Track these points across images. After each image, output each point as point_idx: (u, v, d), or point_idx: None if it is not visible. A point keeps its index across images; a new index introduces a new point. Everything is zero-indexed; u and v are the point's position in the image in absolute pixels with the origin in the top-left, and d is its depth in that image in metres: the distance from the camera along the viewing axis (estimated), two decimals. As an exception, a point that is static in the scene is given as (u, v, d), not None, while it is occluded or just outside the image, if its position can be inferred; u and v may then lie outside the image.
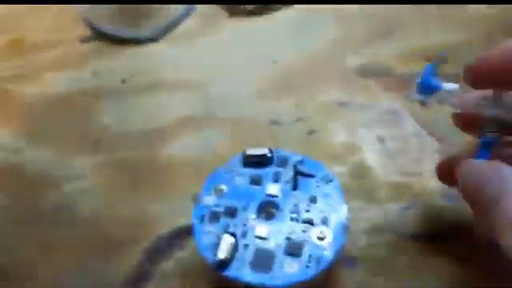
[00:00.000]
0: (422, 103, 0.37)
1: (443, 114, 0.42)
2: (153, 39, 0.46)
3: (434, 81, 0.32)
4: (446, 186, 0.39)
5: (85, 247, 0.37)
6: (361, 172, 0.39)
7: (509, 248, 0.23)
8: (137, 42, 0.46)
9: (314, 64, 0.45)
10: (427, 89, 0.32)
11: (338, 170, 0.38)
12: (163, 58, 0.45)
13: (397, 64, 0.45)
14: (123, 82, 0.44)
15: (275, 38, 0.47)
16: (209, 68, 0.44)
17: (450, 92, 0.32)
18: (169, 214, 0.38)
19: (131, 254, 0.37)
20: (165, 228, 0.37)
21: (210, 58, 0.45)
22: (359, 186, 0.38)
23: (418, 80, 0.33)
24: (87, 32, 0.49)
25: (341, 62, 0.45)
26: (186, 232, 0.37)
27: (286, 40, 0.46)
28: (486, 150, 0.32)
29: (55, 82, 0.45)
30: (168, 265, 0.36)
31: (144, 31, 0.46)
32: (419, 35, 0.47)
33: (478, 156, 0.35)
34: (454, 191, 0.39)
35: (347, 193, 0.33)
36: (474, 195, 0.26)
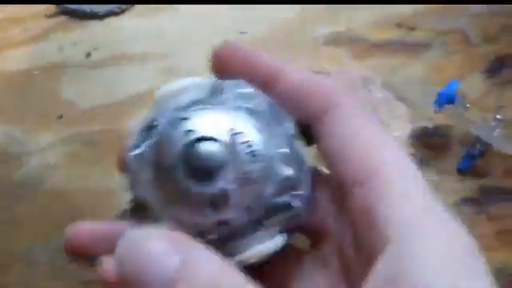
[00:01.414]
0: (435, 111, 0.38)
1: (412, 79, 0.41)
2: (116, 13, 0.45)
3: (453, 95, 0.37)
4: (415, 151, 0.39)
5: (50, 220, 0.37)
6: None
7: None
8: (100, 16, 0.45)
9: (283, 34, 0.44)
10: (445, 100, 0.36)
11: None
12: (126, 31, 0.44)
13: (366, 32, 0.44)
14: (88, 56, 0.43)
15: (244, 8, 0.46)
16: (172, 41, 0.43)
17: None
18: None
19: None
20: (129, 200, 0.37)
21: (173, 31, 0.44)
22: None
23: (439, 90, 0.37)
24: (53, 8, 0.48)
25: (310, 32, 0.44)
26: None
27: (254, 10, 0.45)
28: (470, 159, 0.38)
29: (19, 58, 0.44)
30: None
31: (107, 6, 0.45)
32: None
33: (461, 165, 0.38)
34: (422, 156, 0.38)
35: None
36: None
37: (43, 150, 0.39)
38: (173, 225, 0.20)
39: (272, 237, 0.21)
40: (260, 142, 0.21)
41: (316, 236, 0.24)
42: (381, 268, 0.17)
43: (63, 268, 0.35)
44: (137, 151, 0.22)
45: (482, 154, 0.38)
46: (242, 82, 0.22)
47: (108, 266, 0.19)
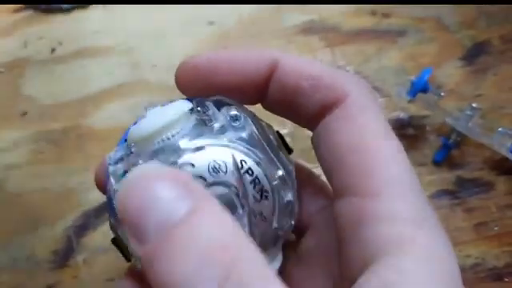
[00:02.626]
0: (409, 100, 0.36)
1: (387, 68, 0.40)
2: (82, 6, 0.43)
3: (426, 83, 0.35)
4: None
5: (11, 222, 0.36)
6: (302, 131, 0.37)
7: None
8: (67, 9, 0.44)
9: (253, 23, 0.42)
10: (418, 88, 0.35)
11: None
12: (92, 25, 0.43)
13: (340, 20, 0.42)
14: (53, 51, 0.42)
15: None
16: (140, 33, 0.42)
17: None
18: (96, 187, 0.36)
19: (58, 229, 0.35)
20: (91, 201, 0.36)
21: (139, 24, 0.42)
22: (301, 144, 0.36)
23: (412, 79, 0.36)
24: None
25: (281, 21, 0.43)
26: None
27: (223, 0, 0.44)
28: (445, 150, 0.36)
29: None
30: (96, 238, 0.35)
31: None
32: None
33: (436, 156, 0.37)
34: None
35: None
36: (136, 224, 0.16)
37: (5, 148, 0.38)
38: None
39: (274, 259, 0.21)
40: (262, 173, 0.20)
41: (296, 232, 0.24)
42: (371, 280, 0.17)
43: (25, 273, 0.34)
44: None
45: (457, 145, 0.37)
46: (221, 99, 0.22)
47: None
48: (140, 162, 0.20)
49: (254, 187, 0.20)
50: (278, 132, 0.23)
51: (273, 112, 0.23)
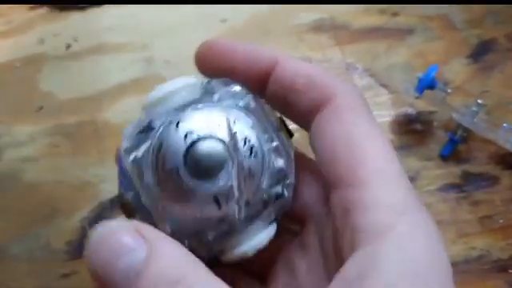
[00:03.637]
0: (417, 96, 0.37)
1: (395, 65, 0.41)
2: (97, 3, 0.44)
3: (433, 80, 0.36)
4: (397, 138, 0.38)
5: (28, 214, 0.36)
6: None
7: None
8: (82, 6, 0.45)
9: (265, 21, 0.43)
10: (426, 85, 0.36)
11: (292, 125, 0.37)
12: (107, 22, 0.44)
13: (349, 19, 0.43)
14: (68, 47, 0.43)
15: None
16: (154, 30, 0.43)
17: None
18: (111, 179, 0.37)
19: (74, 220, 0.36)
20: (106, 193, 0.36)
21: (154, 21, 0.43)
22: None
23: (420, 75, 0.36)
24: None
25: (292, 19, 0.43)
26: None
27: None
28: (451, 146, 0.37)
29: (1, 51, 0.44)
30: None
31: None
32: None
33: (443, 151, 0.37)
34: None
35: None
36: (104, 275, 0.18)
37: (21, 142, 0.39)
38: (171, 226, 0.21)
39: (265, 228, 0.22)
40: (254, 137, 0.22)
41: (299, 221, 0.24)
42: (348, 269, 0.18)
43: (40, 263, 0.35)
44: (134, 155, 0.22)
45: (464, 140, 0.37)
46: (228, 80, 0.23)
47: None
48: (147, 121, 0.22)
49: (244, 144, 0.21)
50: (280, 117, 0.24)
51: (272, 107, 0.25)
